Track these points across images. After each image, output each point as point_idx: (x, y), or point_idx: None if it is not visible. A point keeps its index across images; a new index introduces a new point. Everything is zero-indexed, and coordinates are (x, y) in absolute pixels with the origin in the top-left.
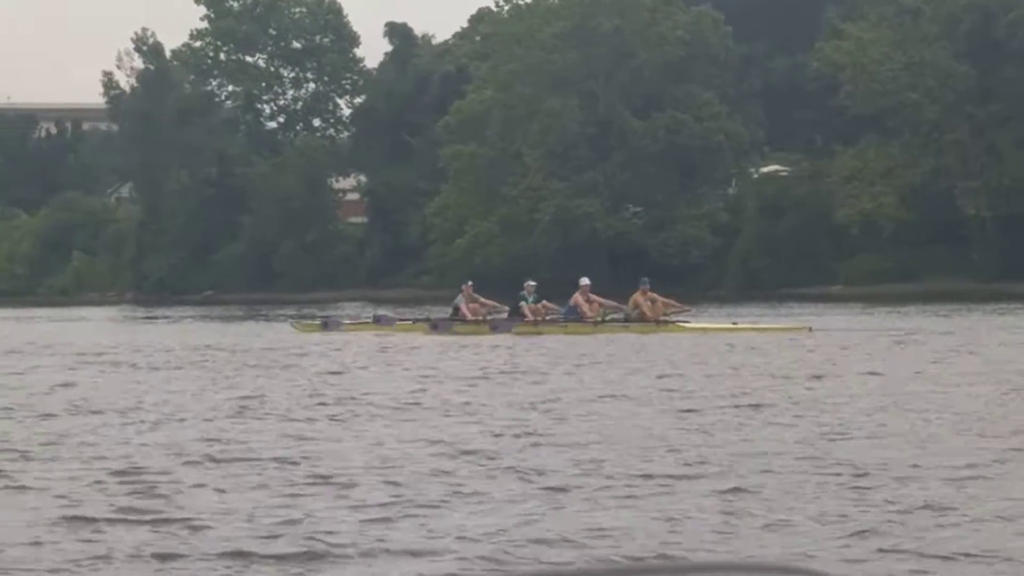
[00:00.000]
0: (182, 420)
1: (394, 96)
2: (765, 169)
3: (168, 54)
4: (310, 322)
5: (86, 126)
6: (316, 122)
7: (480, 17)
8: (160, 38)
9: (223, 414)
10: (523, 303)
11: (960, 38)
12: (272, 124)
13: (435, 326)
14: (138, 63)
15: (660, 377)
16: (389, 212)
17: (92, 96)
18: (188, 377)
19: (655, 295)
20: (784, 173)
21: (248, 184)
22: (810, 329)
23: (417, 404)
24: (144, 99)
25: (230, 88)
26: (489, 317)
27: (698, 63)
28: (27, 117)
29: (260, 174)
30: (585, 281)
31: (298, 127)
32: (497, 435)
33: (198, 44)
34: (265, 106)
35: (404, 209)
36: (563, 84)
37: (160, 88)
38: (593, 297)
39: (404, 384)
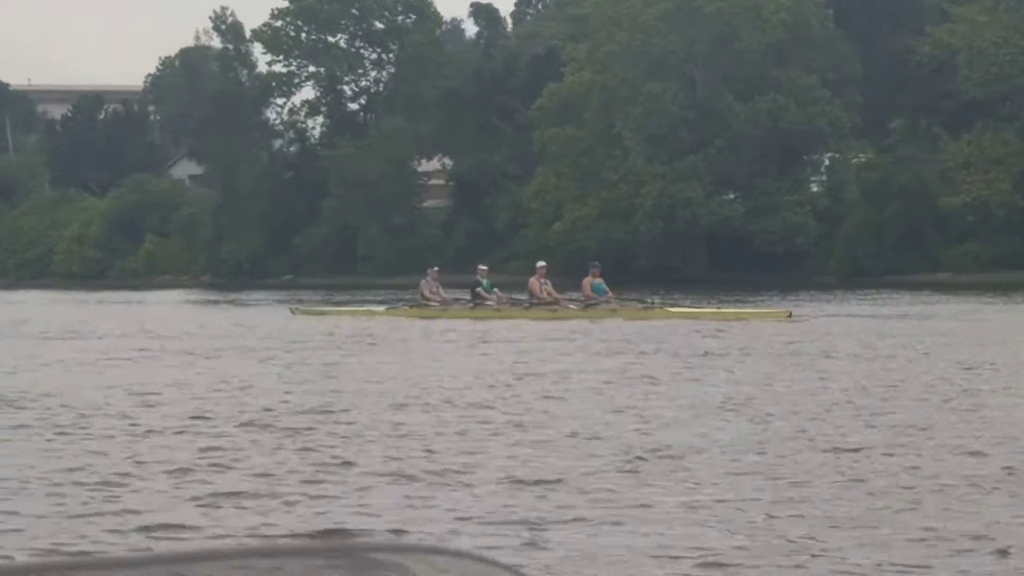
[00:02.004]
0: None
1: (481, 78)
2: (863, 156)
3: (248, 34)
4: (309, 308)
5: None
6: (399, 104)
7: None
8: (240, 17)
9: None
10: (480, 288)
11: None
12: (354, 106)
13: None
14: (216, 43)
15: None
16: (475, 196)
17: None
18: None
19: (602, 280)
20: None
21: (330, 167)
22: (790, 315)
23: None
24: (222, 79)
25: (311, 69)
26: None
27: (799, 46)
28: (94, 98)
29: (344, 156)
30: (541, 264)
31: (380, 109)
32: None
33: (279, 24)
34: (346, 87)
35: (491, 193)
36: (663, 67)
37: (239, 68)
38: (547, 282)
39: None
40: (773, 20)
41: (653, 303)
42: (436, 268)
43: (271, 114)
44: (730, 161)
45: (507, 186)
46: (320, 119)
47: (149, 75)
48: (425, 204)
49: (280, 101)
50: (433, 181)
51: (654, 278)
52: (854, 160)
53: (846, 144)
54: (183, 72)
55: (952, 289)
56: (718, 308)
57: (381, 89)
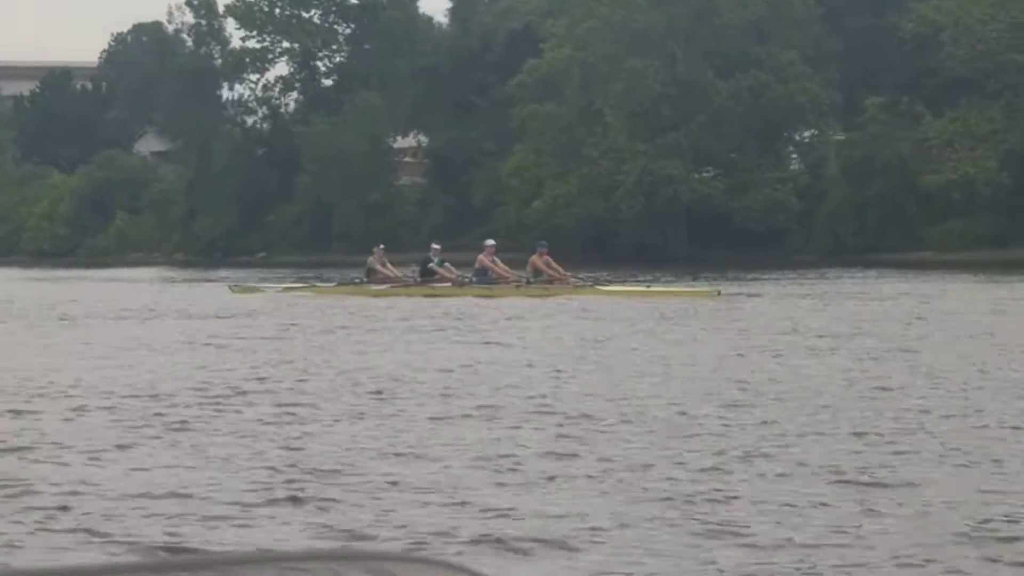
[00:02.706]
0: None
1: (457, 54)
2: (841, 135)
3: (221, 9)
4: (246, 285)
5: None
6: (374, 80)
7: None
8: None
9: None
10: (432, 264)
11: None
12: (328, 82)
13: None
14: (189, 18)
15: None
16: (452, 173)
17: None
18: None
19: (550, 259)
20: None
21: (304, 143)
22: (719, 293)
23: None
24: (194, 55)
25: (285, 45)
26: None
27: (780, 23)
28: (62, 73)
29: (318, 133)
30: (490, 242)
31: (355, 86)
32: None
33: None
34: (320, 63)
35: (468, 170)
36: (644, 43)
37: (211, 43)
38: (497, 260)
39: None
40: None
41: (584, 281)
42: (383, 246)
43: (244, 90)
44: (711, 138)
45: (484, 163)
46: (294, 95)
47: (103, 51)
48: (400, 182)
49: (254, 77)
50: (408, 159)
51: (634, 256)
52: (835, 138)
53: (826, 122)
54: (156, 47)
55: (934, 267)
56: (648, 287)
57: (355, 65)
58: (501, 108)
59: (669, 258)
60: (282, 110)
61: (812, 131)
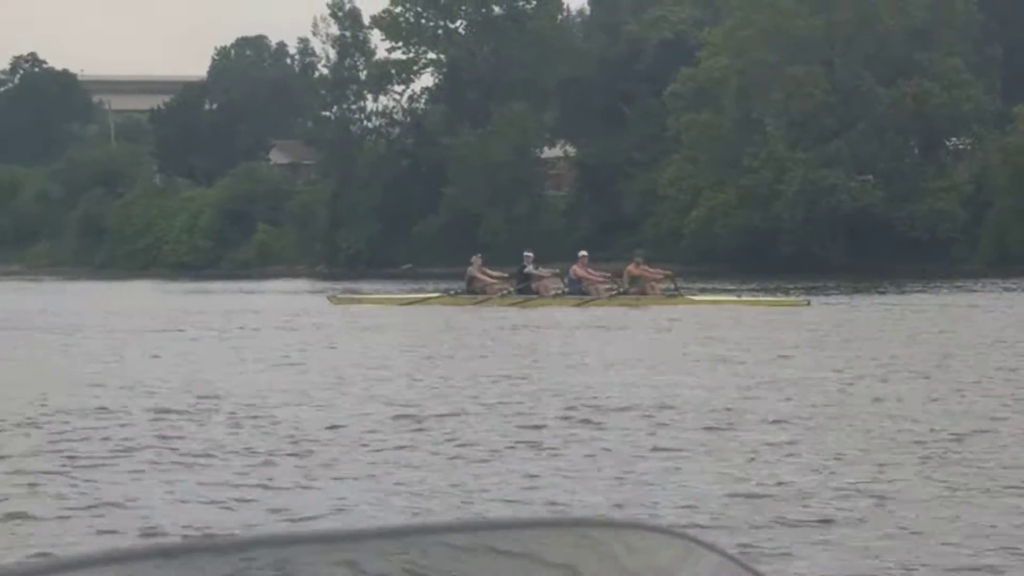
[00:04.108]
0: None
1: (605, 64)
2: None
3: (366, 20)
4: (344, 295)
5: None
6: (519, 91)
7: None
8: (358, 4)
9: None
10: (528, 269)
11: None
12: (473, 93)
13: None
14: (334, 29)
15: None
16: (601, 183)
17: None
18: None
19: (646, 267)
20: None
21: (450, 154)
22: (808, 303)
23: None
24: (338, 66)
25: (430, 56)
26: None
27: (941, 29)
28: (199, 87)
29: (465, 144)
30: (583, 253)
31: (500, 96)
32: None
33: (397, 10)
34: (465, 74)
35: (617, 180)
36: (803, 50)
37: (356, 55)
38: (590, 270)
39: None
40: (916, 2)
41: (678, 291)
42: (480, 255)
43: (389, 101)
44: (873, 146)
45: (633, 173)
46: (439, 106)
47: (212, 61)
48: (547, 192)
49: (398, 88)
50: (555, 169)
51: (793, 266)
52: (999, 145)
53: (988, 129)
54: (302, 60)
55: None
56: (738, 296)
57: (501, 75)
58: (651, 118)
59: (828, 268)
60: (427, 121)
61: (976, 139)
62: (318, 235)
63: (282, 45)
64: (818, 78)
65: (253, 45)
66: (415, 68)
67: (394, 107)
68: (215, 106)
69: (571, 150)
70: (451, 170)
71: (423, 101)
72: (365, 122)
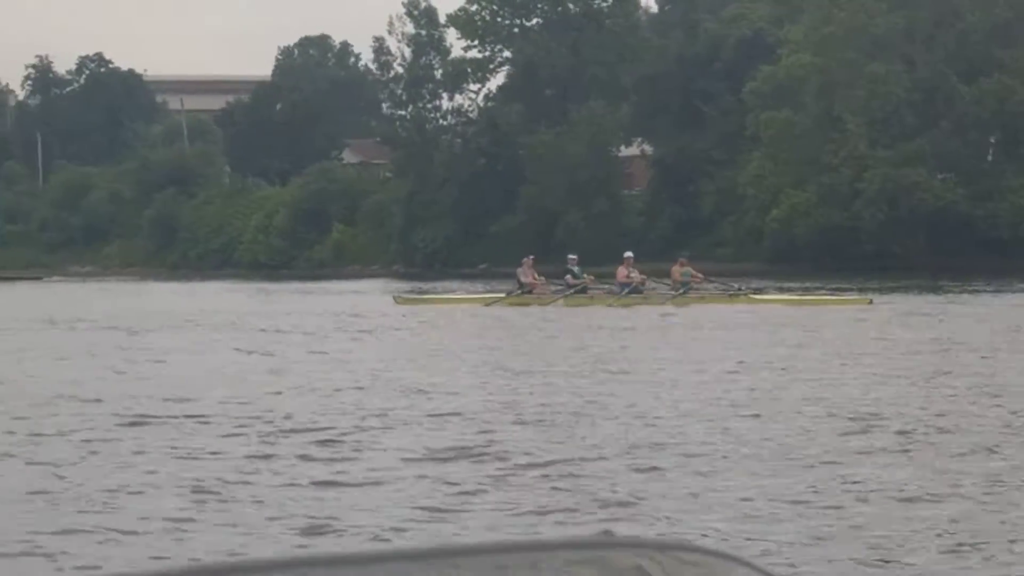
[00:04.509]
0: None
1: (682, 62)
2: None
3: (442, 18)
4: (409, 295)
5: None
6: (595, 89)
7: None
8: (433, 2)
9: None
10: (569, 276)
11: None
12: (550, 91)
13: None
14: (409, 28)
15: None
16: (679, 182)
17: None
18: None
19: (690, 267)
20: None
21: (528, 154)
22: (870, 302)
23: None
24: (414, 65)
25: (506, 54)
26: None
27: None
28: (271, 87)
29: (542, 143)
30: (628, 254)
31: (577, 95)
32: None
33: (473, 8)
34: (542, 72)
35: (695, 179)
36: (884, 48)
37: (431, 54)
38: (633, 272)
39: None
40: None
41: (740, 290)
42: (532, 256)
43: (464, 100)
44: (954, 144)
45: (712, 172)
46: (515, 105)
47: (276, 60)
48: (624, 191)
49: (474, 87)
50: (629, 168)
51: (872, 265)
52: None
53: None
54: (376, 58)
55: None
56: (801, 296)
57: (578, 74)
58: (729, 116)
59: (909, 267)
60: (502, 120)
61: None
62: (394, 234)
63: (346, 44)
64: (899, 76)
65: (316, 45)
66: (491, 66)
67: (470, 106)
68: (284, 106)
69: (647, 148)
70: (528, 169)
71: (499, 100)
72: (440, 121)
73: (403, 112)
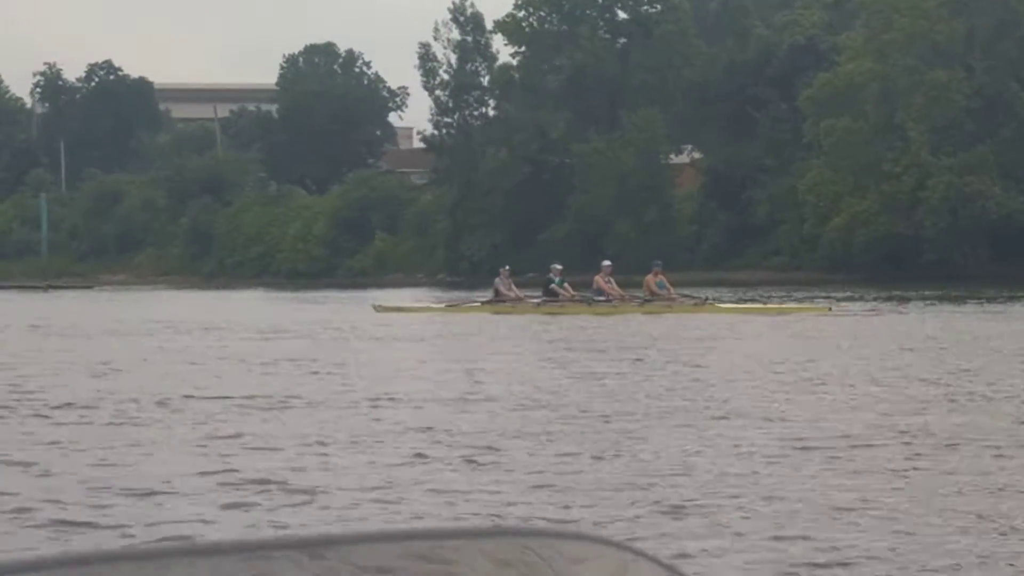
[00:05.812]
0: None
1: (734, 69)
2: None
3: (489, 25)
4: (388, 304)
5: None
6: (645, 96)
7: None
8: (480, 8)
9: None
10: (554, 285)
11: None
12: (599, 98)
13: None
14: (455, 34)
15: None
16: (731, 189)
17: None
18: None
19: (664, 279)
20: None
21: (577, 161)
22: (829, 309)
23: None
24: (460, 72)
25: (554, 61)
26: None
27: None
28: (307, 95)
29: (592, 150)
30: (607, 263)
31: (626, 102)
32: None
33: (521, 14)
34: (591, 79)
35: (748, 187)
36: (943, 55)
37: (478, 60)
38: (611, 281)
39: None
40: None
41: (706, 300)
42: (508, 267)
43: (511, 107)
44: (1017, 152)
45: (763, 180)
46: (563, 112)
47: (282, 69)
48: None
49: (521, 94)
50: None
51: (935, 274)
52: None
53: None
54: (421, 65)
55: None
56: (764, 304)
57: (628, 81)
58: (781, 123)
59: (970, 276)
60: (550, 127)
61: None
62: (439, 243)
63: (351, 53)
64: (960, 82)
65: (322, 52)
66: (538, 73)
67: (518, 113)
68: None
69: (697, 156)
70: (577, 177)
71: (547, 107)
72: (487, 128)
73: (448, 119)
